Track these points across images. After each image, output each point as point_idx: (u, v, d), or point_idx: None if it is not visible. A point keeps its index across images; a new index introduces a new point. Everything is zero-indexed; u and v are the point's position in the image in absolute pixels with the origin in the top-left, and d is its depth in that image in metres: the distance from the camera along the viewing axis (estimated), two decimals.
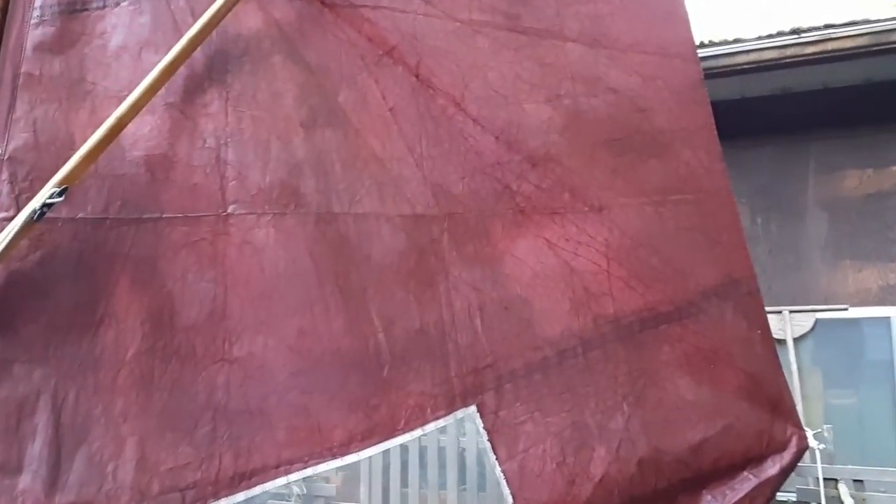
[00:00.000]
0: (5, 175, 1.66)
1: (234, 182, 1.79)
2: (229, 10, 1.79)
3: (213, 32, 1.81)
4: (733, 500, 2.14)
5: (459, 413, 1.88)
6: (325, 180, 1.87)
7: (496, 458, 1.88)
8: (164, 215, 1.75)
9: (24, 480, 1.55)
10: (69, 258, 1.67)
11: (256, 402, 1.75)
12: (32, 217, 1.53)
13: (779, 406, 2.22)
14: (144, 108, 1.70)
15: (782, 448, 2.21)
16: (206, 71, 1.86)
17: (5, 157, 1.65)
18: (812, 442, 2.27)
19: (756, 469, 2.18)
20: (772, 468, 2.19)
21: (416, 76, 2.04)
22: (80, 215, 1.69)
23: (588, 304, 2.09)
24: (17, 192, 1.67)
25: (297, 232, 1.82)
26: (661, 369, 2.13)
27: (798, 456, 2.25)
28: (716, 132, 2.28)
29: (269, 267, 1.79)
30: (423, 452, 4.35)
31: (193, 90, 1.80)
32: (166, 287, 1.73)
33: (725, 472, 2.16)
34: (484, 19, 2.13)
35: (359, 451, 1.78)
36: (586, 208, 2.12)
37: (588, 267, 2.11)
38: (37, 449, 1.57)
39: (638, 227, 2.16)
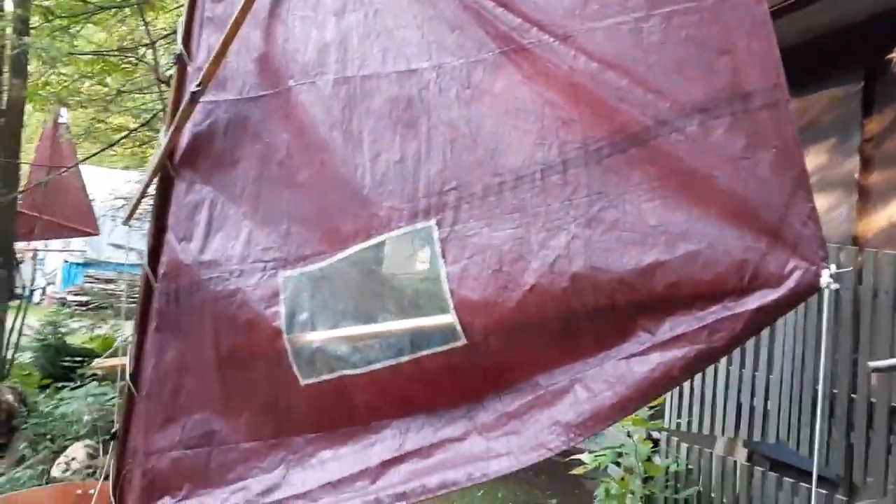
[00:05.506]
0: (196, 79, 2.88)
1: (291, 63, 2.65)
2: None
3: None
4: (691, 329, 2.01)
5: (420, 225, 2.37)
6: (343, 53, 2.55)
7: (443, 261, 2.31)
8: (267, 92, 2.73)
9: (193, 245, 2.80)
10: (223, 123, 2.81)
11: (307, 212, 2.62)
12: (187, 99, 2.73)
13: (781, 235, 1.93)
14: (250, 25, 2.71)
15: (775, 283, 1.93)
16: None
17: (196, 66, 2.86)
18: (825, 280, 1.87)
19: (734, 302, 1.98)
20: (753, 303, 1.95)
21: None
22: (228, 97, 2.81)
23: (556, 132, 2.23)
24: None
25: (321, 93, 2.56)
26: (628, 193, 2.11)
27: (797, 294, 1.91)
28: None
29: (307, 120, 2.60)
30: None
31: (273, 6, 2.71)
32: (268, 139, 2.73)
33: (691, 300, 2.03)
34: None
35: (353, 246, 2.49)
36: (552, 39, 2.21)
37: (558, 97, 2.22)
38: (198, 230, 2.79)
39: (605, 51, 2.14)
